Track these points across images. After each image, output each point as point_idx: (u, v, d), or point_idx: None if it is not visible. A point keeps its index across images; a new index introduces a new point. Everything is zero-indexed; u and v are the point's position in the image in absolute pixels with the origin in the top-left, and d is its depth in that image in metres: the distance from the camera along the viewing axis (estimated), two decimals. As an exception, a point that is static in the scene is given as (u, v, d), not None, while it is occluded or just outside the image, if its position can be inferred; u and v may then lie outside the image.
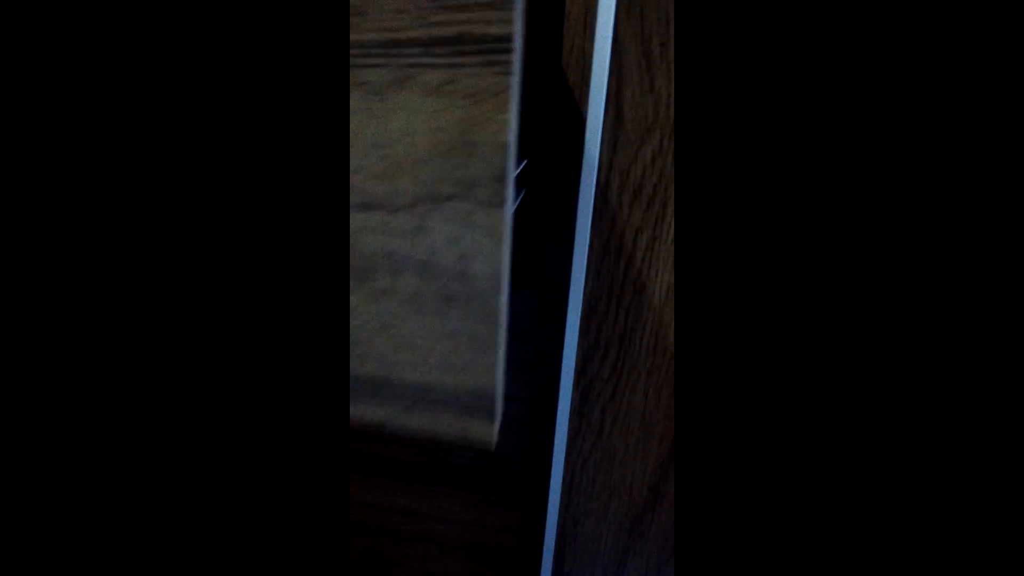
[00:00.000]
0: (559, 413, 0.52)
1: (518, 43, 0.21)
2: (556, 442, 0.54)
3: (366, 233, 0.23)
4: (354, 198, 0.23)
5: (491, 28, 0.20)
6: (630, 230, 0.43)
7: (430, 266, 0.23)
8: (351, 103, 0.22)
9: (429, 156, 0.22)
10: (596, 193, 0.43)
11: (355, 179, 0.23)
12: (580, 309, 0.49)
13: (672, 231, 0.42)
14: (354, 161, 0.22)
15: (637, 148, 0.41)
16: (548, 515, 0.57)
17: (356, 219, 0.23)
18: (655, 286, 0.46)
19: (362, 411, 0.27)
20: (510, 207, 0.23)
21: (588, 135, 0.41)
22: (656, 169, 0.41)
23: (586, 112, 0.41)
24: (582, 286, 0.48)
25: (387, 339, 0.25)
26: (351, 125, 0.22)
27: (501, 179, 0.22)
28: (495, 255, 0.23)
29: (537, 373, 0.50)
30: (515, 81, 0.21)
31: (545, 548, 0.59)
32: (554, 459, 0.55)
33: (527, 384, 0.50)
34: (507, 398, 0.51)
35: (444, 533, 0.56)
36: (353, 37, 0.22)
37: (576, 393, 0.52)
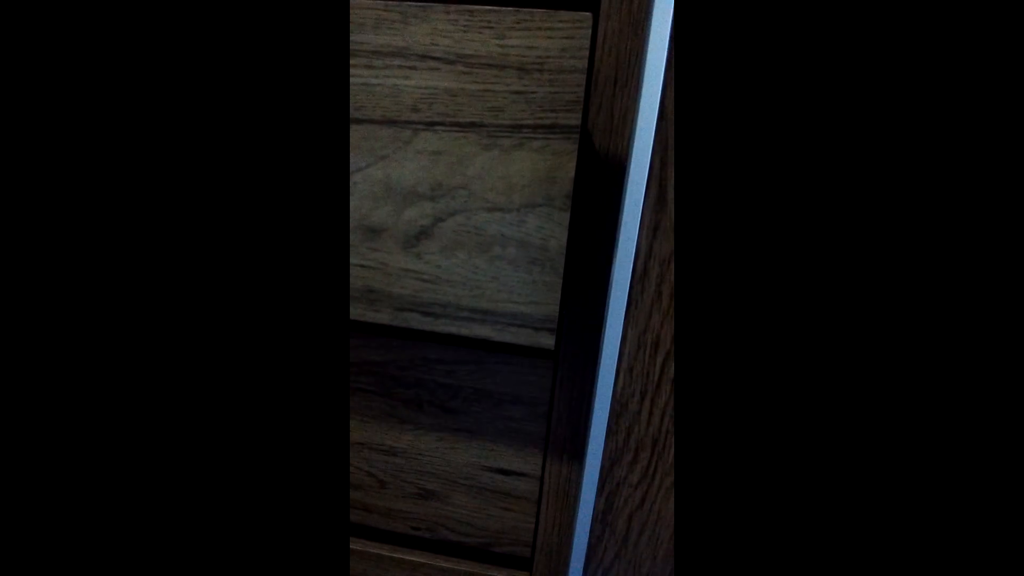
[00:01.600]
0: (578, 517, 0.48)
1: (579, 128, 0.41)
2: (575, 547, 0.50)
3: (491, 224, 0.42)
4: (484, 204, 0.42)
5: (569, 120, 0.40)
6: (669, 323, 0.42)
7: (526, 243, 0.42)
8: (493, 158, 0.41)
9: (530, 183, 0.41)
10: (632, 282, 0.40)
11: (487, 194, 0.42)
12: (608, 408, 0.44)
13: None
14: (488, 186, 0.42)
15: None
16: None
17: (484, 216, 0.42)
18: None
19: (473, 330, 0.44)
20: (568, 215, 0.42)
21: (625, 216, 0.39)
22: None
23: (624, 188, 0.39)
24: (612, 379, 0.43)
25: (496, 285, 0.43)
26: (487, 165, 0.41)
27: (568, 196, 0.41)
28: (562, 238, 0.41)
29: (547, 446, 0.48)
30: (575, 148, 0.40)
31: None
32: (571, 567, 0.51)
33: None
34: (513, 472, 0.50)
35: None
36: (492, 122, 0.41)
37: (600, 500, 0.47)
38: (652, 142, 0.40)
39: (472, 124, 0.41)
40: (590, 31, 0.38)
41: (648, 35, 0.40)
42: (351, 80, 0.41)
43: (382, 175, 0.42)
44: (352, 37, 0.40)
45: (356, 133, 0.42)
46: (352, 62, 0.41)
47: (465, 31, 0.40)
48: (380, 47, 0.40)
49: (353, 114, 0.42)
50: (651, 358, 0.42)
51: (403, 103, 0.41)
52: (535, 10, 0.39)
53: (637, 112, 0.40)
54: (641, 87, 0.40)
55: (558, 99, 0.39)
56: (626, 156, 0.41)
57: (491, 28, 0.39)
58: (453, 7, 0.39)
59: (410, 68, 0.41)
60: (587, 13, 0.38)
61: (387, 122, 0.41)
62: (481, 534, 0.55)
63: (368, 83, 0.41)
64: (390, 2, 0.40)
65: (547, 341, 0.42)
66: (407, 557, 0.56)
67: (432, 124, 0.41)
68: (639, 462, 0.45)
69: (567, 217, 0.40)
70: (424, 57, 0.40)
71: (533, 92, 0.39)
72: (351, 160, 0.42)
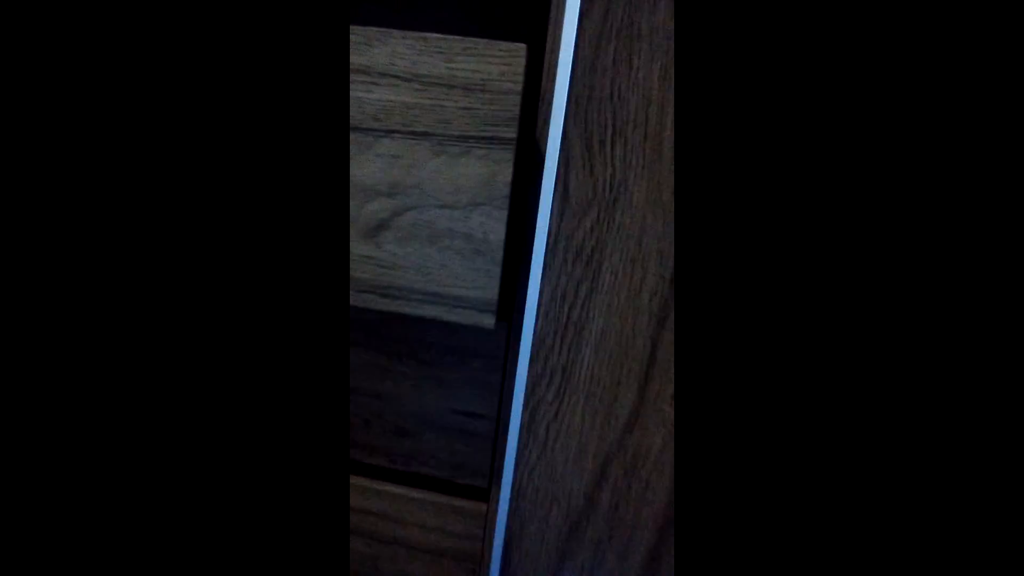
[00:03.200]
0: (511, 428, 0.59)
1: (515, 140, 0.48)
2: (507, 453, 0.60)
3: (440, 219, 0.49)
4: (435, 202, 0.49)
5: (506, 134, 0.47)
6: (572, 282, 0.55)
7: (470, 236, 0.49)
8: (443, 163, 0.49)
9: (474, 185, 0.48)
10: (546, 251, 0.53)
11: (437, 193, 0.49)
12: (531, 342, 0.56)
13: (605, 284, 0.53)
14: (438, 187, 0.49)
15: (579, 219, 0.53)
16: (498, 520, 0.63)
17: (435, 212, 0.49)
18: (592, 327, 0.55)
19: (425, 311, 0.51)
20: (506, 213, 0.49)
21: (540, 207, 0.53)
22: (594, 235, 0.52)
23: (540, 189, 0.53)
24: (533, 323, 0.56)
25: (445, 272, 0.50)
26: (438, 169, 0.48)
27: (506, 197, 0.48)
28: (501, 232, 0.49)
29: (502, 394, 0.61)
30: (511, 157, 0.48)
31: (494, 549, 0.64)
32: (504, 469, 0.60)
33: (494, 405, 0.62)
34: (475, 415, 0.62)
35: (413, 538, 0.65)
36: (442, 132, 0.48)
37: (526, 413, 0.58)
38: (558, 155, 0.52)
39: (425, 133, 0.48)
40: (524, 60, 0.45)
41: (557, 62, 0.50)
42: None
43: (347, 175, 0.49)
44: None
45: (324, 138, 0.49)
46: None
47: (419, 54, 0.46)
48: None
49: (322, 122, 0.49)
50: (560, 307, 0.55)
51: (366, 113, 0.48)
52: (479, 39, 0.46)
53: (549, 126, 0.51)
54: (552, 106, 0.50)
55: (498, 116, 0.46)
56: (543, 169, 0.53)
57: (442, 53, 0.46)
58: (410, 34, 0.46)
59: (372, 84, 0.47)
60: (522, 44, 0.45)
61: (352, 129, 0.48)
62: (447, 467, 0.66)
63: (335, 96, 0.48)
64: (356, 27, 0.47)
65: (488, 321, 0.50)
66: (385, 488, 0.66)
67: (390, 132, 0.48)
68: (553, 384, 0.58)
69: (505, 214, 0.48)
70: (384, 75, 0.47)
71: (477, 108, 0.47)
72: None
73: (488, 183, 0.48)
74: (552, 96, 0.51)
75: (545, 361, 0.58)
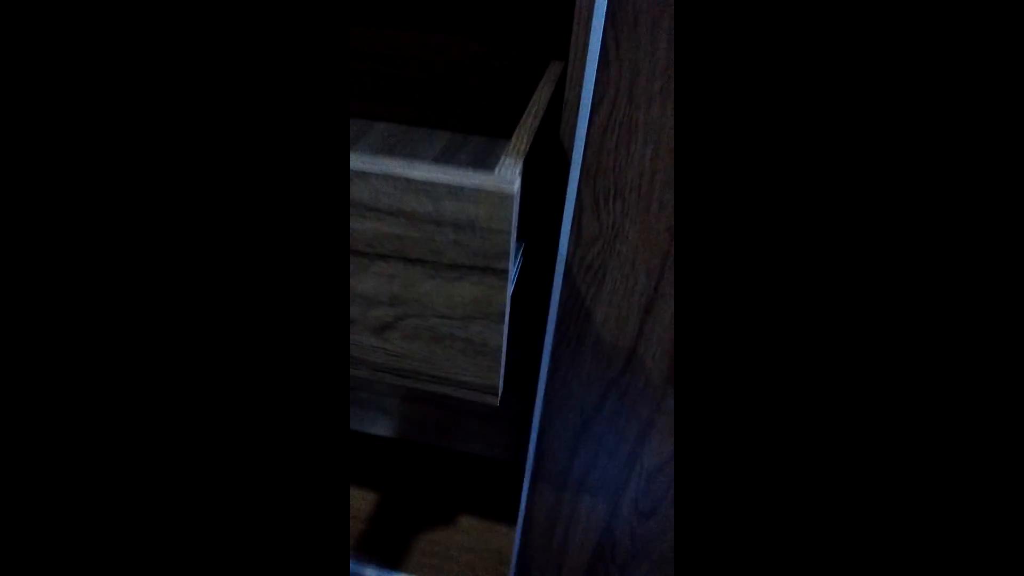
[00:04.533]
0: (542, 369, 0.78)
1: (507, 271, 0.49)
2: (540, 381, 0.79)
3: (441, 326, 0.52)
4: (435, 313, 0.51)
5: (499, 265, 0.48)
6: (584, 286, 0.68)
7: (471, 341, 0.53)
8: (439, 284, 0.50)
9: (470, 303, 0.50)
10: (566, 268, 0.68)
11: (437, 307, 0.51)
12: (555, 319, 0.73)
13: (606, 290, 0.69)
14: (437, 302, 0.51)
15: (589, 248, 0.65)
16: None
17: (436, 320, 0.51)
18: (598, 317, 0.71)
19: (435, 388, 0.55)
20: (503, 325, 0.51)
21: (561, 241, 0.66)
22: (600, 257, 0.65)
23: (560, 230, 0.65)
24: (556, 311, 0.72)
25: (450, 364, 0.54)
26: (434, 289, 0.50)
27: (502, 314, 0.51)
28: (500, 340, 0.52)
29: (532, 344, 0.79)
30: (505, 284, 0.49)
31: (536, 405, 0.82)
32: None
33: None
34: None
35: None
36: (434, 260, 0.49)
37: (550, 366, 0.78)
38: (573, 207, 0.65)
39: (418, 260, 0.49)
40: (513, 203, 0.44)
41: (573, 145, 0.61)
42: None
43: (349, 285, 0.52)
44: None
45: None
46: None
47: (403, 194, 0.46)
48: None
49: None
50: (577, 303, 0.72)
51: (357, 239, 0.49)
52: (464, 182, 0.45)
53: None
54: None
55: (490, 251, 0.47)
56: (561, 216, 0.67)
57: (427, 194, 0.46)
58: (391, 174, 0.45)
59: (360, 216, 0.48)
60: (512, 189, 0.44)
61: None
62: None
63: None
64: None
65: (492, 401, 0.56)
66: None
67: (384, 256, 0.49)
68: (570, 346, 0.76)
69: (503, 327, 0.51)
70: (370, 208, 0.47)
71: (468, 243, 0.47)
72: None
73: (483, 304, 0.50)
74: (569, 167, 0.63)
75: (564, 332, 0.75)
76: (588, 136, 0.59)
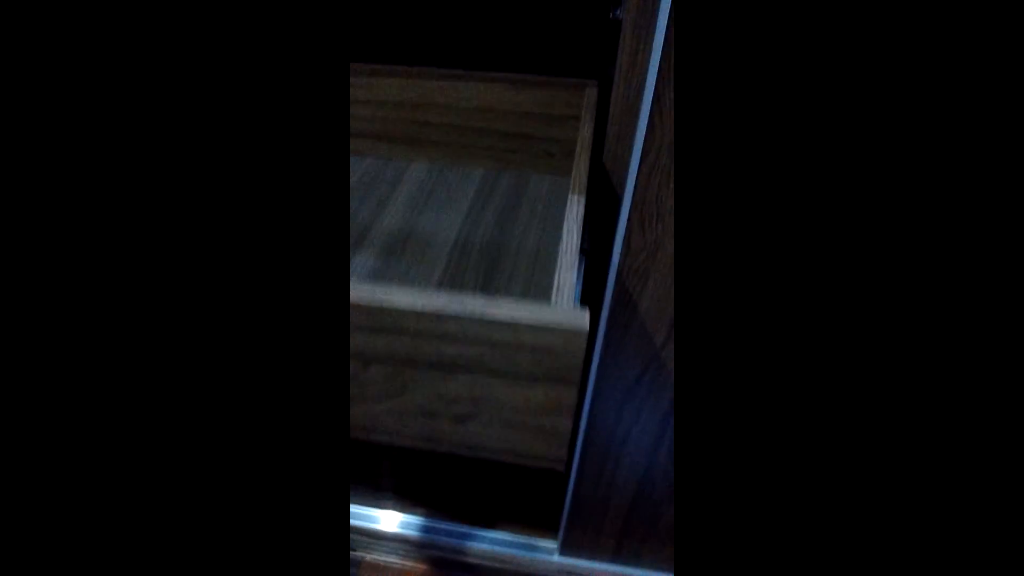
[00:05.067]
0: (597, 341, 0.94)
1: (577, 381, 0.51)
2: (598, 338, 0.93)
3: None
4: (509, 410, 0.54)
5: (571, 377, 0.50)
6: (631, 284, 0.83)
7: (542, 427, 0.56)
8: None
9: (542, 402, 0.53)
10: (617, 273, 0.83)
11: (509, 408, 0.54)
12: (608, 310, 0.87)
13: (648, 289, 0.85)
14: (510, 404, 0.53)
15: (636, 257, 0.80)
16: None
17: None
18: (642, 306, 0.85)
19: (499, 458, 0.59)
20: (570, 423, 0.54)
21: (614, 251, 0.81)
22: (644, 265, 0.81)
23: (614, 245, 0.80)
24: (609, 303, 0.87)
25: (523, 445, 0.57)
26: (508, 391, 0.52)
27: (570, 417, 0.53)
28: (567, 430, 0.55)
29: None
30: (575, 393, 0.51)
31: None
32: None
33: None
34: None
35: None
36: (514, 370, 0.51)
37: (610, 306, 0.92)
38: (624, 228, 0.83)
39: (497, 371, 0.53)
40: (584, 336, 0.48)
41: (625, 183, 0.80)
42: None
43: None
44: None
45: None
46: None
47: (487, 329, 0.49)
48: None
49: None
50: (625, 298, 0.88)
51: (443, 357, 0.52)
52: (542, 319, 0.47)
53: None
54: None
55: (563, 367, 0.50)
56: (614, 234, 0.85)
57: (509, 328, 0.48)
58: (476, 319, 0.49)
59: (447, 342, 0.51)
60: (583, 328, 0.47)
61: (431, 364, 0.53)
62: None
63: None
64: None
65: (559, 467, 0.59)
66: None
67: (467, 369, 0.53)
68: (619, 332, 0.96)
69: (572, 419, 0.54)
70: (456, 339, 0.51)
71: (543, 361, 0.50)
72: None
73: (555, 402, 0.52)
74: (621, 203, 0.79)
75: (614, 320, 0.92)
76: (637, 178, 0.76)
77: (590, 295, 0.91)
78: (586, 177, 0.69)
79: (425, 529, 1.38)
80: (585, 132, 0.77)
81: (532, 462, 0.60)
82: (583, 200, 0.65)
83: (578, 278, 0.80)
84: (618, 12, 0.71)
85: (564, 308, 0.49)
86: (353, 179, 0.99)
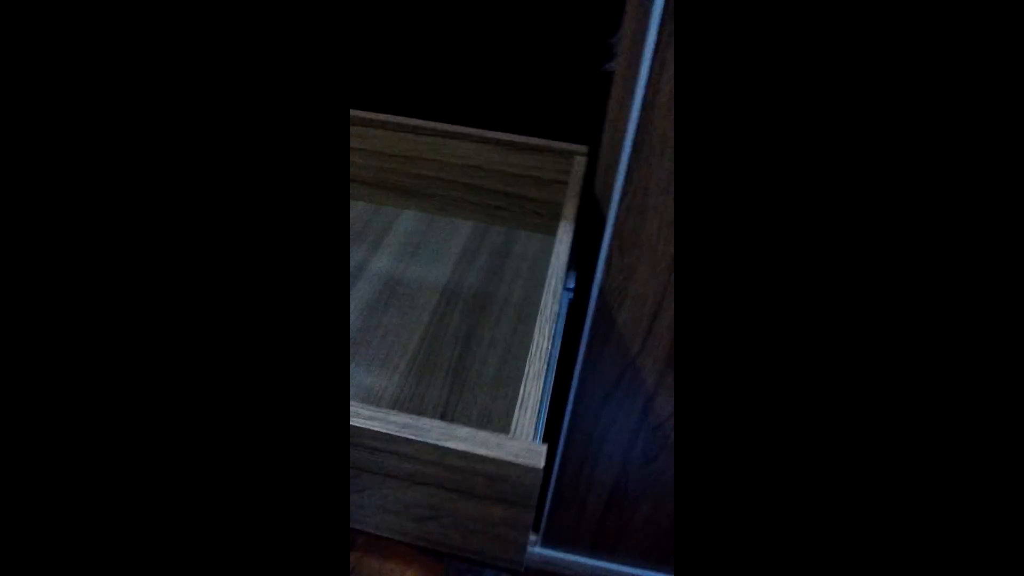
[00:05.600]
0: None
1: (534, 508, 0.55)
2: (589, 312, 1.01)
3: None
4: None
5: (527, 503, 0.55)
6: (611, 300, 0.95)
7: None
8: None
9: (499, 520, 0.58)
10: (599, 289, 0.94)
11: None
12: (590, 321, 0.97)
13: (626, 303, 0.96)
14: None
15: (616, 277, 0.92)
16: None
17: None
18: (619, 320, 0.95)
19: None
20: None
21: (597, 271, 0.93)
22: (622, 283, 0.93)
23: (596, 265, 0.91)
24: (591, 316, 0.96)
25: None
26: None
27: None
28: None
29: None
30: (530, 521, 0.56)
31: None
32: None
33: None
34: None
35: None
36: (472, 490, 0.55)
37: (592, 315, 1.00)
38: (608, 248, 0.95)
39: (456, 490, 0.55)
40: (540, 475, 0.51)
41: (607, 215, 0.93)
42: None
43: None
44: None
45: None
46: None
47: (444, 456, 0.53)
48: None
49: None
50: (605, 304, 0.99)
51: (400, 471, 0.55)
52: (499, 455, 0.51)
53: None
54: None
55: (519, 494, 0.53)
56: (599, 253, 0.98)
57: (466, 459, 0.52)
58: (435, 447, 0.52)
59: (404, 459, 0.54)
60: (538, 467, 0.50)
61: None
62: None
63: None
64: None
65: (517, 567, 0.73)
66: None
67: (425, 484, 0.56)
68: (607, 318, 1.07)
69: (528, 533, 0.59)
70: (412, 458, 0.53)
71: (500, 488, 0.53)
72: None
73: (512, 520, 0.55)
74: (604, 233, 0.91)
75: (595, 330, 1.03)
76: (616, 215, 0.88)
77: (577, 309, 1.01)
78: (565, 259, 0.75)
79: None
80: (570, 207, 0.82)
81: (492, 562, 0.65)
82: (557, 297, 0.68)
83: (560, 316, 0.87)
84: (610, 65, 0.76)
85: (521, 444, 0.51)
86: (346, 225, 1.03)
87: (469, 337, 0.85)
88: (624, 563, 1.42)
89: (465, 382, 0.81)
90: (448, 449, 0.51)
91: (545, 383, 0.73)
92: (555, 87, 1.00)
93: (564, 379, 1.10)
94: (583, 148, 0.94)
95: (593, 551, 1.42)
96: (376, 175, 1.04)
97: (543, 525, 1.39)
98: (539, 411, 0.68)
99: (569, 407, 1.14)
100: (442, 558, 1.31)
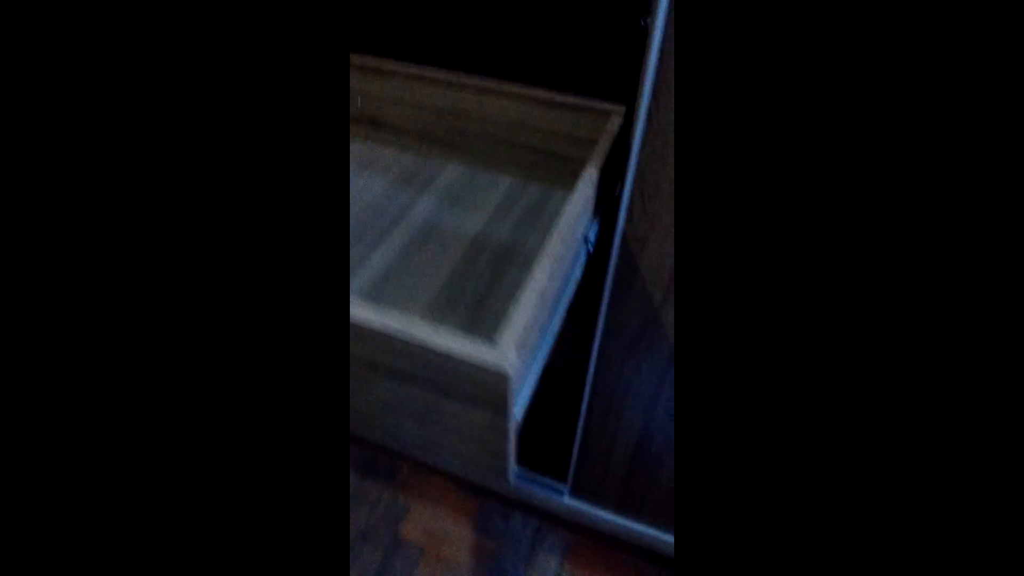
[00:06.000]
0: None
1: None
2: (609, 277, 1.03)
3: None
4: None
5: (502, 407, 0.69)
6: (634, 249, 0.96)
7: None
8: None
9: (482, 424, 0.70)
10: (621, 237, 0.95)
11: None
12: (613, 270, 0.99)
13: (647, 252, 0.97)
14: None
15: (638, 225, 0.92)
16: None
17: None
18: (642, 269, 0.96)
19: None
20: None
21: (619, 219, 0.94)
22: (644, 231, 0.94)
23: (619, 213, 0.92)
24: (614, 264, 0.98)
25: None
26: None
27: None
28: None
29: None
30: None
31: None
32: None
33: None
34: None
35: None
36: None
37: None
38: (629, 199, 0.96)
39: (441, 389, 0.63)
40: (509, 382, 0.56)
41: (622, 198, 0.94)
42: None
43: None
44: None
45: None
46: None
47: (429, 354, 0.63)
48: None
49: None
50: (625, 252, 1.01)
51: (396, 367, 0.62)
52: (473, 357, 0.56)
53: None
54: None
55: (493, 395, 0.59)
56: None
57: (448, 357, 0.59)
58: (420, 345, 0.67)
59: (395, 354, 0.62)
60: (507, 373, 0.58)
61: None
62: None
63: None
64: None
65: (502, 479, 0.83)
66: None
67: (417, 381, 0.63)
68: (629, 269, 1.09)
69: (508, 444, 0.76)
70: (401, 354, 0.61)
71: (477, 389, 0.61)
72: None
73: (492, 426, 0.62)
74: (627, 176, 0.94)
75: (618, 279, 1.04)
76: (638, 162, 0.88)
77: (600, 258, 1.02)
78: (579, 208, 0.78)
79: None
80: (596, 159, 0.86)
81: (482, 474, 0.72)
82: (563, 239, 0.73)
83: (580, 273, 0.91)
84: (647, 20, 0.79)
85: (495, 350, 0.56)
86: (395, 172, 1.12)
87: (492, 281, 0.93)
88: (650, 524, 1.45)
89: (479, 319, 0.89)
90: (431, 349, 0.58)
91: (550, 322, 0.81)
92: (597, 43, 1.02)
93: (590, 331, 1.13)
94: (620, 108, 0.97)
95: (619, 508, 1.46)
96: (423, 128, 1.11)
97: (571, 475, 1.44)
98: (536, 344, 0.75)
99: (593, 357, 1.17)
100: (476, 494, 1.39)
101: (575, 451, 1.39)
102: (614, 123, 0.96)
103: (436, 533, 1.55)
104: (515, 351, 0.59)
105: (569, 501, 1.51)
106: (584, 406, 1.28)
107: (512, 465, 0.72)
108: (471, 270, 0.95)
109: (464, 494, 1.60)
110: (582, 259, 0.94)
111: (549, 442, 1.53)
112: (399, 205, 1.05)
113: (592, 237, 0.93)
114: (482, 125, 1.07)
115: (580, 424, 1.32)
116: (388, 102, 1.11)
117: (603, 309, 1.08)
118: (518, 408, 0.70)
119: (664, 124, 0.83)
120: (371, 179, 1.11)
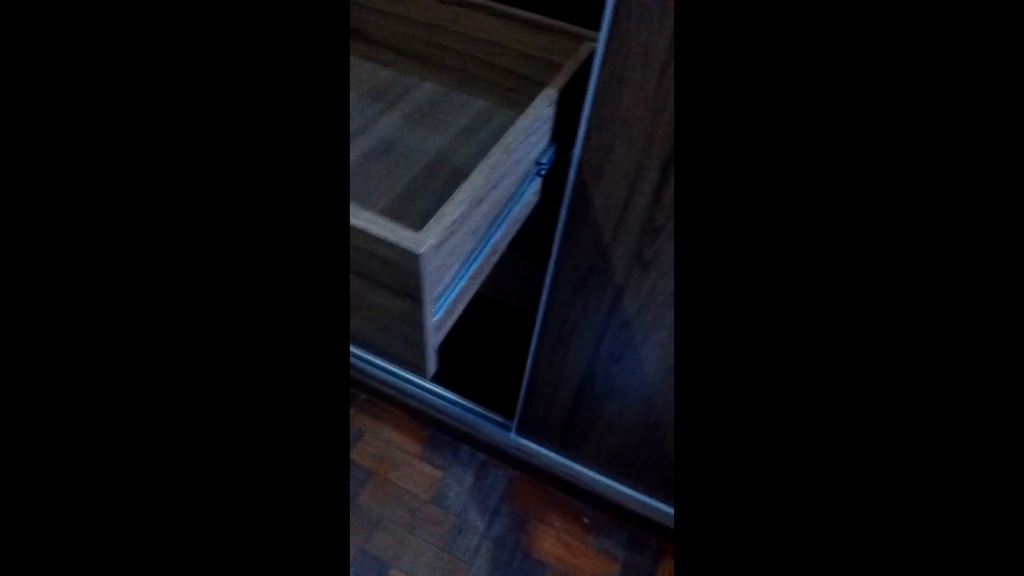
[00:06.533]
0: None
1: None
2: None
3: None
4: None
5: (415, 294, 0.77)
6: (588, 180, 0.96)
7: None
8: None
9: (400, 312, 0.77)
10: (576, 167, 0.93)
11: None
12: (568, 202, 0.98)
13: (602, 184, 0.94)
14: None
15: (593, 154, 0.91)
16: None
17: None
18: (595, 203, 0.95)
19: None
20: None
21: (576, 146, 0.93)
22: (599, 161, 0.92)
23: (575, 145, 0.90)
24: (569, 197, 0.98)
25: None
26: None
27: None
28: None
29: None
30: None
31: None
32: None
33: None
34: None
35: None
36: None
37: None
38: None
39: (364, 275, 0.63)
40: (421, 261, 0.68)
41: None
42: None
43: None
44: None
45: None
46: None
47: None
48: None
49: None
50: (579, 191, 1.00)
51: None
52: (387, 236, 0.80)
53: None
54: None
55: (408, 282, 0.62)
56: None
57: (364, 237, 0.66)
58: None
59: None
60: (418, 252, 0.68)
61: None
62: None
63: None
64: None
65: (421, 375, 0.85)
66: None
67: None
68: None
69: (424, 335, 0.84)
70: None
71: (393, 274, 0.63)
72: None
73: (409, 315, 0.66)
74: (585, 102, 0.89)
75: (572, 212, 1.04)
76: (596, 86, 0.86)
77: (556, 189, 1.02)
78: (528, 123, 0.78)
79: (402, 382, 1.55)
80: (559, 80, 0.85)
81: (402, 364, 0.74)
82: (507, 149, 0.75)
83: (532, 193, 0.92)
84: None
85: (411, 234, 0.58)
86: (368, 85, 1.11)
87: (443, 199, 0.91)
88: (588, 466, 1.50)
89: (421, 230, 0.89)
90: (353, 227, 0.60)
91: (489, 233, 0.82)
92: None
93: (545, 262, 1.14)
94: (595, 34, 0.90)
95: (562, 447, 1.50)
96: (402, 41, 1.10)
97: (517, 412, 1.48)
98: (471, 250, 0.77)
99: (545, 293, 1.18)
100: (428, 426, 1.41)
101: (523, 389, 1.42)
102: (586, 48, 0.95)
103: (385, 459, 1.59)
104: (435, 239, 0.61)
105: (515, 438, 1.54)
106: (533, 344, 1.30)
107: (431, 363, 0.74)
108: (425, 186, 0.96)
109: (416, 424, 1.63)
110: (535, 184, 0.94)
111: (500, 380, 1.57)
112: (366, 117, 1.05)
113: (546, 161, 0.92)
114: (460, 42, 1.06)
115: (529, 362, 1.35)
116: (368, 11, 1.09)
117: (556, 241, 1.08)
118: (439, 306, 0.72)
119: (623, 50, 0.81)
120: (342, 90, 1.07)
